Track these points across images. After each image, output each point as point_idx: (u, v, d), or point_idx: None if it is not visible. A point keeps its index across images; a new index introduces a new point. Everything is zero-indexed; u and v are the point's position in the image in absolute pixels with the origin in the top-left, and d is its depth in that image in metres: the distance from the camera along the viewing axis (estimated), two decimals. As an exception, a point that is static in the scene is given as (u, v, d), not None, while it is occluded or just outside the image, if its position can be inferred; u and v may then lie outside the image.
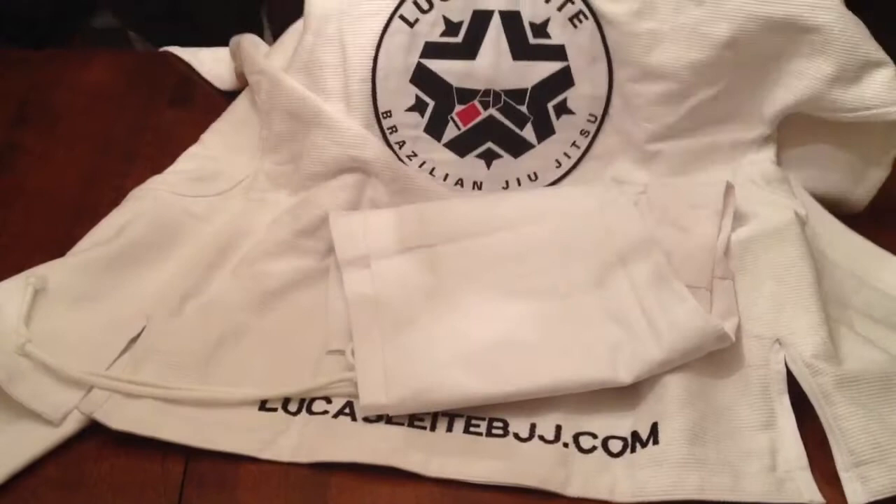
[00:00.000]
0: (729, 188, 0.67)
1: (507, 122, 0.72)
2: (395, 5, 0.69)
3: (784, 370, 0.59)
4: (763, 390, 0.59)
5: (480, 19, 0.69)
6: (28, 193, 0.77)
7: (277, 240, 0.69)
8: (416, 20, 0.69)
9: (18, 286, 0.62)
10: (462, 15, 0.69)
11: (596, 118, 0.72)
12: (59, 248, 0.67)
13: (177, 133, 0.82)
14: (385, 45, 0.69)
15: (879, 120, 0.68)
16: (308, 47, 0.71)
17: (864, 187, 0.74)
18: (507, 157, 0.73)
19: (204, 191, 0.73)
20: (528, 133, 0.73)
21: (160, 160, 0.77)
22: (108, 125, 0.85)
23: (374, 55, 0.69)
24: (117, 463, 0.57)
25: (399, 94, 0.70)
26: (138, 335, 0.62)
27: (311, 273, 0.68)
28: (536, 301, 0.62)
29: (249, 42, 0.78)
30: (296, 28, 0.75)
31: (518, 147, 0.73)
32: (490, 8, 0.69)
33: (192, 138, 0.79)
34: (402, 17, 0.69)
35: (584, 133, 0.73)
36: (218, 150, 0.77)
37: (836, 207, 0.73)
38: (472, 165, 0.73)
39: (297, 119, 0.72)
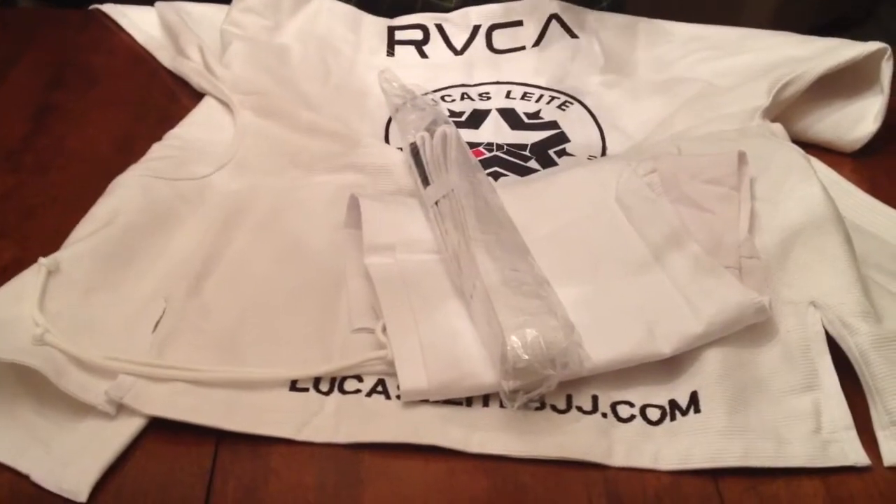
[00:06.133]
0: (741, 157, 0.66)
1: (511, 159, 0.78)
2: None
3: (822, 330, 0.59)
4: (803, 352, 0.59)
5: (480, 113, 0.83)
6: (65, 155, 0.76)
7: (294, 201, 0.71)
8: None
9: (32, 274, 0.60)
10: (463, 108, 0.83)
11: (596, 156, 0.79)
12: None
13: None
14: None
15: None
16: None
17: (863, 124, 0.79)
18: (513, 176, 0.76)
19: (189, 174, 0.71)
20: (533, 164, 0.77)
21: (196, 124, 0.76)
22: (144, 88, 0.85)
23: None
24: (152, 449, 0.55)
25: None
26: (159, 320, 0.60)
27: (330, 240, 0.68)
28: (571, 287, 0.60)
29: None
30: None
31: (524, 173, 0.76)
32: (488, 108, 0.83)
33: (227, 103, 0.79)
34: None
35: (589, 158, 0.78)
36: (192, 139, 0.75)
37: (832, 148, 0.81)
38: None
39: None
